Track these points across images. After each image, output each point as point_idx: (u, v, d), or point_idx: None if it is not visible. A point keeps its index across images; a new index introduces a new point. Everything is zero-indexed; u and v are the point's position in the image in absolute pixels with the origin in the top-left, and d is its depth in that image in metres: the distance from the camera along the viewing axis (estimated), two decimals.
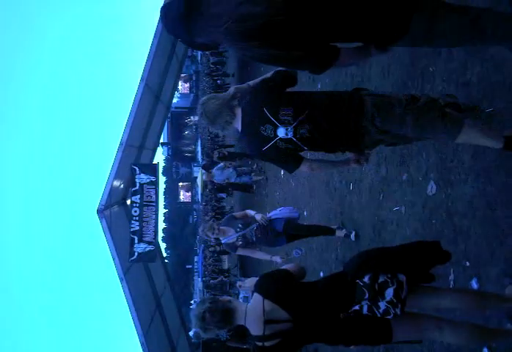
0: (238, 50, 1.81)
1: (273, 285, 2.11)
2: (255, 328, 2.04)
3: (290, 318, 2.01)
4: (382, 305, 1.95)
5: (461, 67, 3.00)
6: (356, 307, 2.00)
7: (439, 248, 2.14)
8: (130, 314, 10.84)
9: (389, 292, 1.95)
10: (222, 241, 4.89)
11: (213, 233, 4.78)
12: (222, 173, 11.14)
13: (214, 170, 11.26)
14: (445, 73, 3.18)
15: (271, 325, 2.00)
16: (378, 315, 1.96)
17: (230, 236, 4.73)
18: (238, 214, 5.01)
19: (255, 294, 2.11)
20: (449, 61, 3.13)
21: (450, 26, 1.72)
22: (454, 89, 3.04)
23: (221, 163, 11.62)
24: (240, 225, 4.73)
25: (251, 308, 2.09)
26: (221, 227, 4.79)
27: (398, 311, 1.94)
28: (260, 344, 2.03)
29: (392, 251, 2.17)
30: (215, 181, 10.63)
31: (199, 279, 28.03)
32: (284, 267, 2.26)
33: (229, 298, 2.23)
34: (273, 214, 4.84)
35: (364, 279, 2.02)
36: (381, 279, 1.99)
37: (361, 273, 2.04)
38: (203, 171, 12.72)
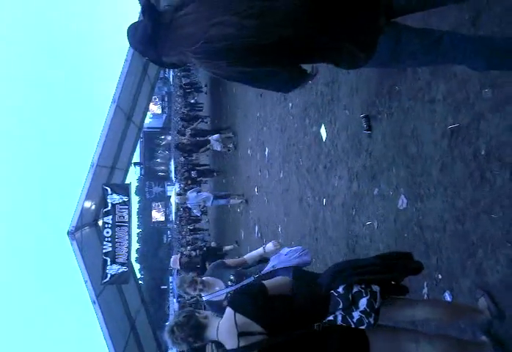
0: (208, 69, 1.83)
1: (244, 299, 2.09)
2: (229, 342, 2.00)
3: (264, 331, 1.98)
4: (356, 315, 1.96)
5: (426, 85, 3.08)
6: (331, 317, 1.99)
7: (411, 258, 2.17)
8: (103, 339, 10.49)
9: (363, 302, 1.96)
10: (204, 298, 3.35)
11: (195, 289, 3.34)
12: (197, 196, 10.75)
13: (189, 193, 10.86)
14: (411, 91, 3.26)
15: (245, 337, 1.96)
16: (352, 325, 1.96)
17: (217, 292, 3.24)
18: (231, 261, 3.55)
19: (227, 309, 2.08)
20: (414, 80, 3.22)
21: (413, 47, 1.79)
22: (420, 106, 3.12)
23: (197, 187, 11.53)
24: (231, 277, 3.28)
25: (223, 322, 2.06)
26: (205, 279, 3.37)
27: (372, 320, 1.94)
28: None
29: (366, 262, 2.18)
30: (188, 205, 10.13)
31: (175, 300, 27.48)
32: (264, 281, 2.24)
33: (207, 313, 2.19)
34: (279, 262, 3.11)
35: (338, 289, 2.03)
36: (355, 289, 2.00)
37: (336, 283, 2.04)
38: (176, 194, 12.62)
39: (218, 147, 12.71)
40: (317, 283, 2.24)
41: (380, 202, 3.70)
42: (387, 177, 3.59)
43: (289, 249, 3.18)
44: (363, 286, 2.00)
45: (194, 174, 17.14)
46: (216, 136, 12.75)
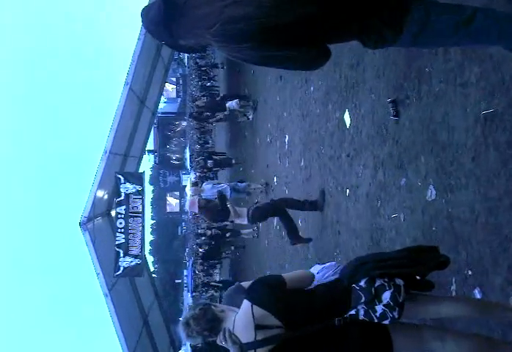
0: (227, 53, 1.83)
1: (261, 291, 2.11)
2: (246, 335, 2.03)
3: (282, 325, 2.01)
4: (379, 309, 1.97)
5: (458, 67, 3.04)
6: (353, 312, 2.01)
7: (437, 252, 2.17)
8: (115, 333, 10.73)
9: (386, 296, 1.97)
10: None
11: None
12: (213, 187, 10.39)
13: (204, 185, 10.41)
14: (442, 74, 3.22)
15: (262, 331, 1.99)
16: (375, 320, 1.98)
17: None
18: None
19: (244, 301, 2.11)
20: (445, 62, 3.18)
21: (443, 25, 1.76)
22: (452, 90, 3.09)
23: (213, 180, 11.41)
24: None
25: (240, 315, 2.09)
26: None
27: (396, 314, 1.96)
28: None
29: (390, 255, 2.19)
30: (202, 198, 9.81)
31: (189, 295, 27.86)
32: (283, 274, 2.27)
33: (223, 307, 2.23)
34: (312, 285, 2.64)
35: (360, 283, 2.04)
36: (377, 283, 2.01)
37: (358, 277, 2.06)
38: (191, 185, 12.49)
39: (236, 106, 12.86)
40: (338, 277, 2.27)
41: (407, 193, 3.69)
42: (415, 167, 3.57)
43: (321, 266, 2.89)
44: (386, 279, 2.01)
45: (210, 163, 17.22)
46: (235, 100, 12.95)
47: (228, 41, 1.73)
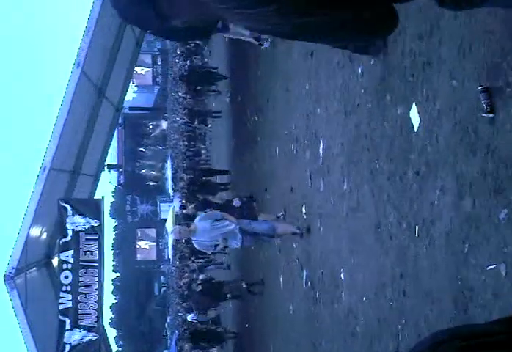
0: (242, 22, 1.84)
1: None
2: None
3: None
4: None
5: None
6: None
7: None
8: None
9: None
10: None
11: None
12: (213, 227, 9.15)
13: (197, 220, 9.50)
14: None
15: None
16: None
17: None
18: None
19: None
20: None
21: None
22: None
23: (212, 211, 11.16)
24: None
25: None
26: None
27: None
28: None
29: (484, 330, 2.18)
30: (194, 245, 9.22)
31: None
32: None
33: None
34: None
35: None
36: None
37: None
38: (175, 219, 12.43)
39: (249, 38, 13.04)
40: None
41: (510, 232, 3.66)
42: None
43: None
44: None
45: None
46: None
47: (245, 5, 1.73)
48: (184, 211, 17.83)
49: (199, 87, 21.92)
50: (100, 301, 11.12)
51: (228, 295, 16.92)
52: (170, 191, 38.70)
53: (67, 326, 10.78)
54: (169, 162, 41.25)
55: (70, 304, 11.01)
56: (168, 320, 44.36)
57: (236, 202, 13.25)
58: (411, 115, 5.17)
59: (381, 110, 5.96)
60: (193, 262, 24.56)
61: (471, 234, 4.16)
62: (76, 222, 11.10)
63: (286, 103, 11.01)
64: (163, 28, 1.78)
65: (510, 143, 3.72)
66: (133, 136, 49.16)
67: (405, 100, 5.36)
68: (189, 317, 22.96)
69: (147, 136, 50.69)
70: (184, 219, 19.78)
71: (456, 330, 2.27)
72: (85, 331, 10.84)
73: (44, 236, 11.98)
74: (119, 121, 18.96)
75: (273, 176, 12.18)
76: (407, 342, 5.10)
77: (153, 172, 53.78)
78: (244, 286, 15.63)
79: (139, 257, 59.07)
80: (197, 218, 9.69)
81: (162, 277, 57.42)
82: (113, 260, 66.77)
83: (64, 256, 11.29)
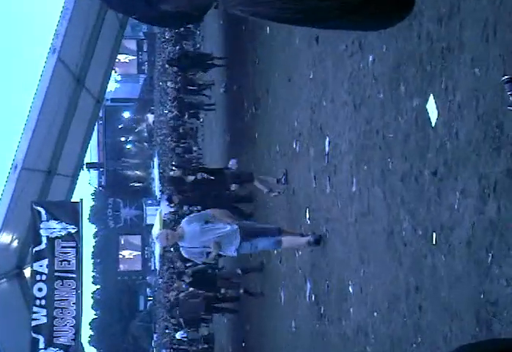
0: (244, 8, 1.84)
1: None
2: None
3: None
4: None
5: None
6: None
7: None
8: None
9: None
10: None
11: None
12: (203, 231, 8.70)
13: (184, 222, 9.07)
14: None
15: None
16: None
17: None
18: None
19: None
20: None
21: None
22: None
23: (202, 211, 10.96)
24: None
25: None
26: None
27: None
28: None
29: (508, 345, 2.18)
30: (182, 252, 9.02)
31: None
32: None
33: None
34: None
35: None
36: None
37: None
38: (161, 231, 12.26)
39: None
40: None
41: None
42: None
43: None
44: None
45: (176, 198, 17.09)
46: None
47: None
48: (172, 205, 17.59)
49: (190, 75, 21.95)
50: (78, 317, 11.08)
51: (222, 291, 16.93)
52: (157, 193, 38.67)
53: (41, 345, 10.76)
54: (155, 160, 41.27)
55: (44, 320, 10.98)
56: (155, 338, 44.37)
57: (232, 162, 13.08)
58: (428, 108, 5.17)
59: (395, 102, 5.96)
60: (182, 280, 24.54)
61: (495, 242, 4.16)
62: (51, 228, 11.06)
63: (288, 93, 11.00)
64: (151, 13, 1.79)
65: None
66: (115, 131, 49.07)
67: (421, 91, 5.36)
68: (178, 335, 23.04)
69: (131, 131, 50.64)
70: (175, 221, 19.70)
71: (482, 345, 2.26)
72: (61, 351, 10.83)
73: (15, 243, 11.97)
74: (100, 114, 18.95)
75: (273, 175, 12.17)
76: None
77: (138, 172, 53.73)
78: (242, 291, 15.75)
79: (121, 267, 59.09)
80: (184, 221, 9.11)
81: (148, 290, 57.39)
82: (93, 271, 66.80)
83: (37, 266, 11.26)
